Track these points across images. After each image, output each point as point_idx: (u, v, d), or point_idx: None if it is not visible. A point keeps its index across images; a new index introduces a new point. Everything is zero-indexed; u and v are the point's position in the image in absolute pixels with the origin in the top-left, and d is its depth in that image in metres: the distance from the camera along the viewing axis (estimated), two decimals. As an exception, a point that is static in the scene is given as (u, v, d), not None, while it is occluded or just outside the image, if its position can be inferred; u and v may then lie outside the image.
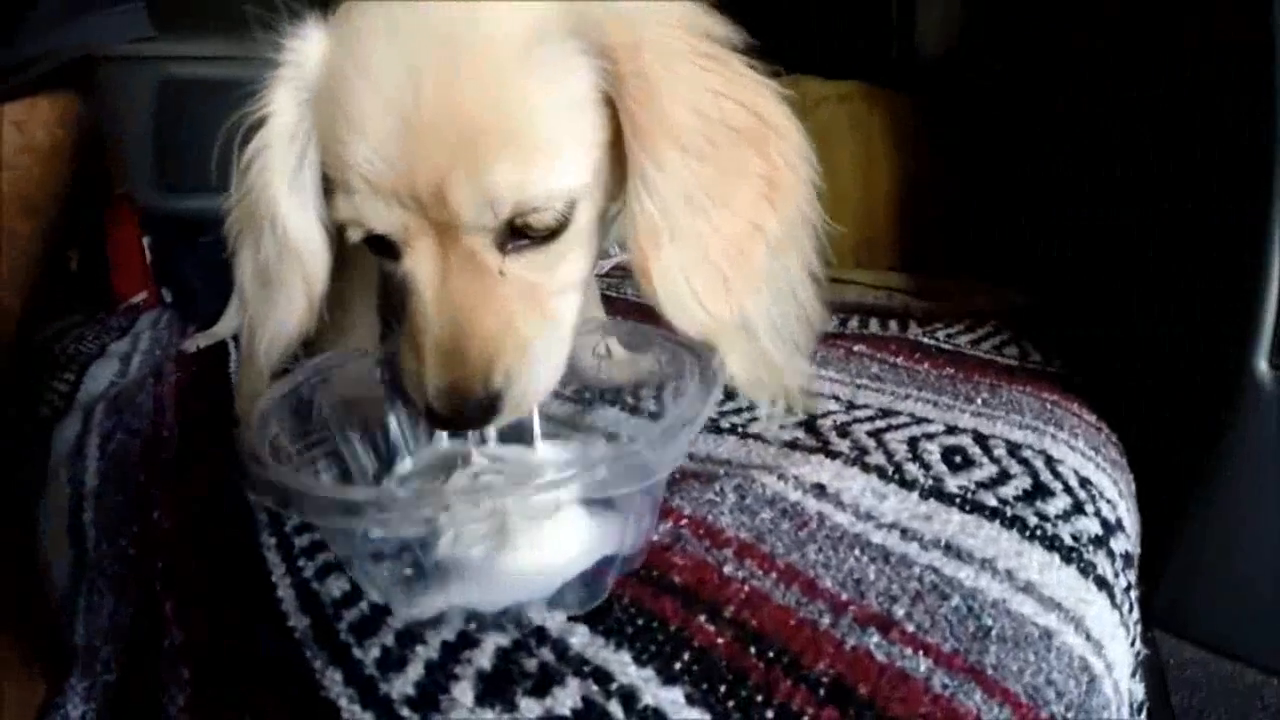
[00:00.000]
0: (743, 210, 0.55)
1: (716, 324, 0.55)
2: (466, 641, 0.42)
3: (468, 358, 0.50)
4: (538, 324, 0.52)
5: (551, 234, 0.51)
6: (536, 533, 0.44)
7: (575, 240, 0.53)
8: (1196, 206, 0.79)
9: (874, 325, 0.93)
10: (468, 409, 0.50)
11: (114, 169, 1.37)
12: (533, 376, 0.52)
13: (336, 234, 0.57)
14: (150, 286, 1.21)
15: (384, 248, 0.53)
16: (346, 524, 0.42)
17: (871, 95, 1.23)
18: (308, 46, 0.55)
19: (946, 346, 0.85)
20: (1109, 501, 0.62)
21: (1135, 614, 0.59)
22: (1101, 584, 0.52)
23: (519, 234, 0.51)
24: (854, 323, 0.93)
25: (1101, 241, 0.97)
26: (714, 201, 0.53)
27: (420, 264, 0.51)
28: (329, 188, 0.56)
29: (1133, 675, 0.64)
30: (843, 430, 0.64)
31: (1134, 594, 0.59)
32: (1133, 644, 0.58)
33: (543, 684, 0.39)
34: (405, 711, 0.38)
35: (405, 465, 0.53)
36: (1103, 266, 0.96)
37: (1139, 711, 0.67)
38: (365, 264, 0.66)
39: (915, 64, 1.37)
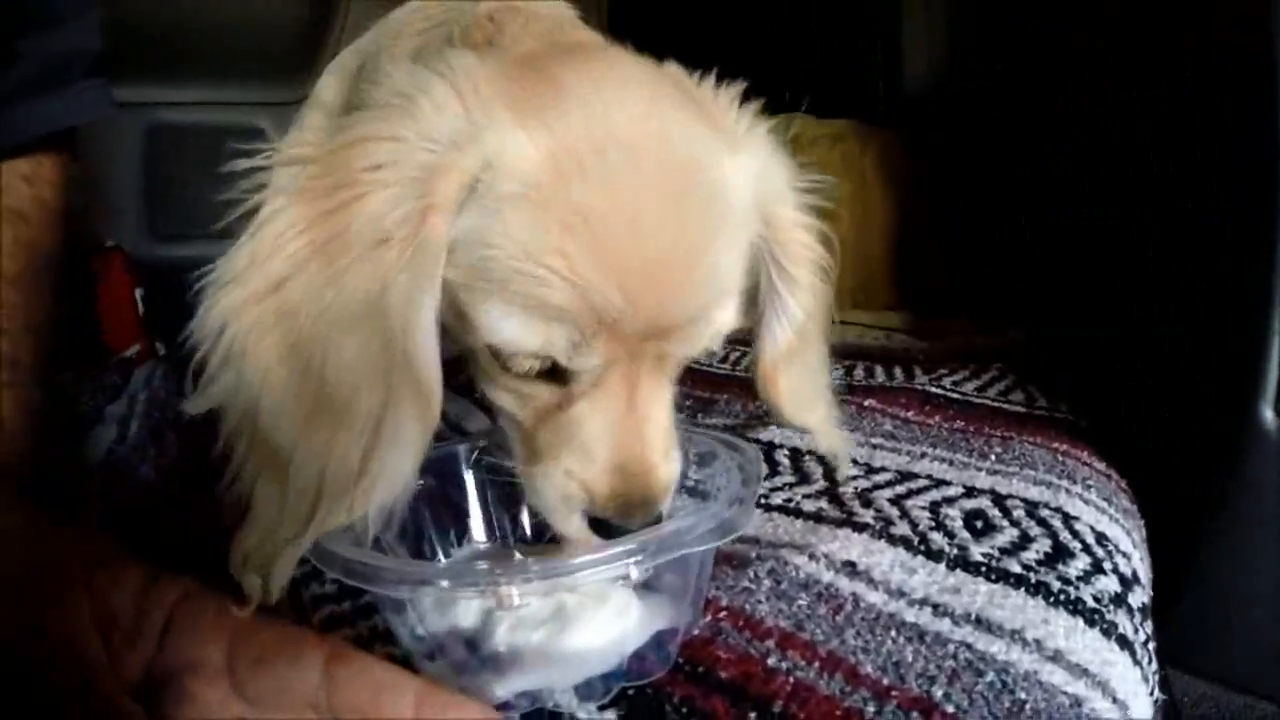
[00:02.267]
0: (817, 316, 0.69)
1: (820, 414, 0.72)
2: None
3: (656, 478, 0.52)
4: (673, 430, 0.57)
5: None
6: (594, 612, 0.46)
7: None
8: (1199, 252, 0.82)
9: (880, 374, 0.96)
10: (644, 519, 0.51)
11: (99, 220, 1.37)
12: (676, 476, 0.55)
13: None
14: (143, 339, 1.21)
15: (539, 374, 0.52)
16: (416, 594, 0.45)
17: (863, 134, 1.27)
18: (508, 140, 0.49)
19: (955, 395, 0.88)
20: (1124, 555, 0.65)
21: (1154, 665, 0.61)
22: (1124, 643, 0.55)
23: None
24: (859, 372, 0.96)
25: (1102, 280, 1.00)
26: (810, 318, 0.68)
27: (610, 390, 0.52)
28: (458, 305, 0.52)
29: None
30: (865, 498, 0.67)
31: (1152, 646, 0.61)
32: (1151, 693, 0.61)
33: (605, 792, 0.41)
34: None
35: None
36: (1105, 306, 0.99)
37: (1159, 754, 0.70)
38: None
39: (902, 100, 1.40)
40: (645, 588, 0.49)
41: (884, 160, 1.22)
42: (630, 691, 0.47)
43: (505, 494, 0.60)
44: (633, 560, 0.42)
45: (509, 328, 0.49)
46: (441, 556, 0.58)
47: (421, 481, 0.56)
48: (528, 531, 0.60)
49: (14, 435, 0.60)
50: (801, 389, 0.70)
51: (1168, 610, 0.75)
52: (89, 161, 0.77)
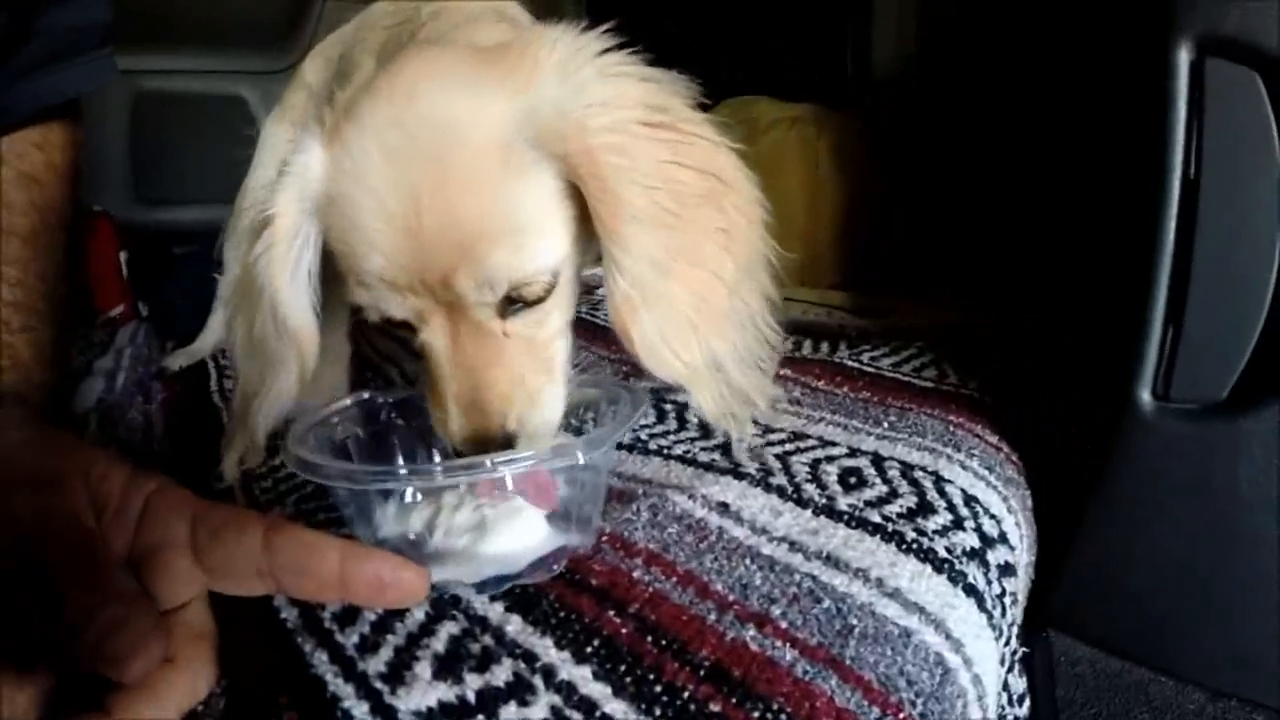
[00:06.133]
0: (704, 263, 0.68)
1: (689, 369, 0.68)
2: (425, 631, 0.55)
3: (486, 409, 0.64)
4: (538, 371, 0.67)
5: (541, 298, 0.66)
6: (507, 526, 0.59)
7: (560, 296, 0.68)
8: (1098, 247, 0.91)
9: (806, 348, 1.05)
10: (489, 450, 0.63)
11: (86, 185, 1.47)
12: (541, 417, 0.67)
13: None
14: (127, 300, 1.33)
15: (398, 324, 0.66)
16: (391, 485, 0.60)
17: (821, 117, 1.36)
18: (310, 160, 0.65)
19: (869, 369, 0.98)
20: (993, 517, 0.73)
21: (1010, 617, 0.70)
22: (970, 591, 0.63)
23: (515, 301, 0.65)
24: (786, 344, 1.05)
25: (1022, 266, 1.09)
26: (678, 261, 0.66)
27: (435, 336, 0.65)
28: (334, 275, 0.68)
29: (1010, 670, 0.76)
30: (755, 453, 0.76)
31: (1011, 599, 0.70)
32: (1006, 643, 0.69)
33: (484, 662, 0.52)
34: (378, 684, 0.50)
35: (409, 494, 0.65)
36: (1018, 288, 1.08)
37: (1019, 702, 0.80)
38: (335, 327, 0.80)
39: (871, 84, 1.49)
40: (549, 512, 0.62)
41: (839, 143, 1.31)
42: (516, 590, 0.59)
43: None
44: (501, 468, 0.57)
45: (354, 294, 0.65)
46: None
47: (394, 416, 0.74)
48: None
49: (31, 370, 0.72)
50: (661, 338, 0.66)
51: (1055, 577, 0.85)
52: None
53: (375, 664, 0.53)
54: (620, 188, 0.63)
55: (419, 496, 0.63)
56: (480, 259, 0.62)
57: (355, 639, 0.55)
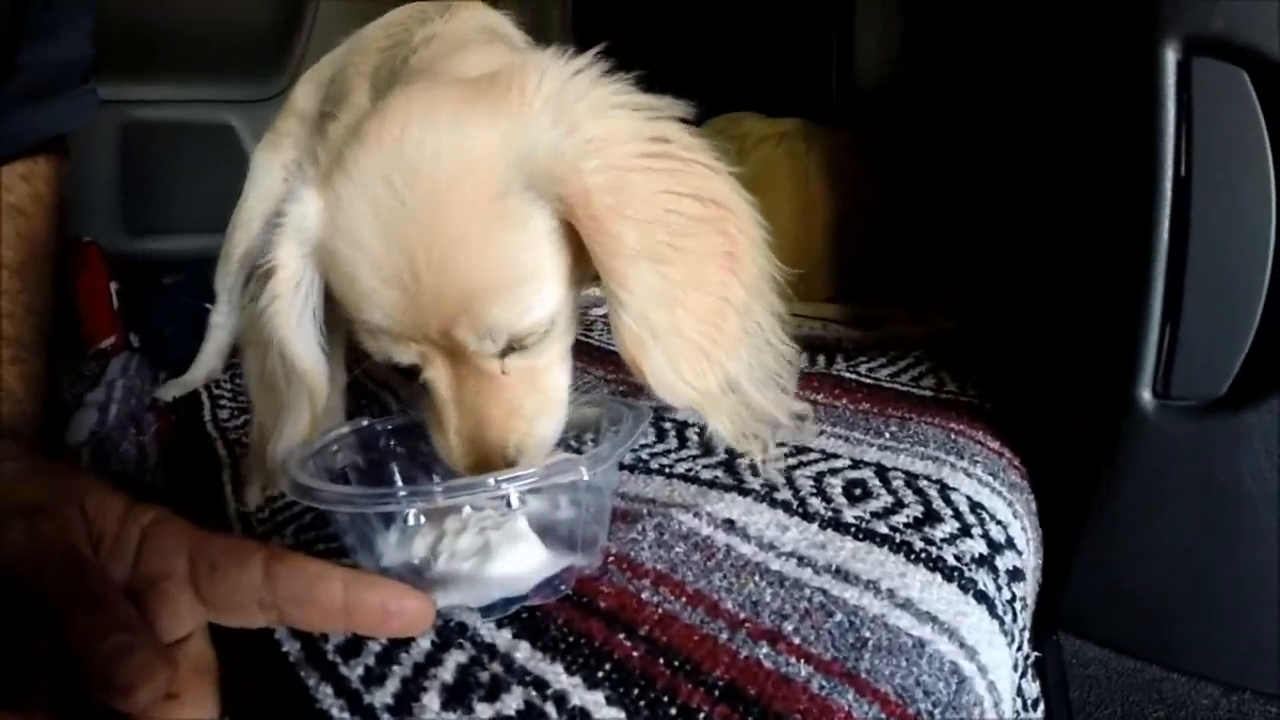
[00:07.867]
0: (711, 288, 0.67)
1: (703, 395, 0.68)
2: (432, 660, 0.54)
3: (486, 441, 0.66)
4: (536, 399, 0.68)
5: (540, 340, 0.66)
6: (511, 548, 0.59)
7: (557, 333, 0.68)
8: (1093, 248, 0.91)
9: (803, 361, 1.05)
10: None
11: (74, 215, 1.47)
12: (537, 442, 0.67)
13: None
14: (118, 331, 1.32)
15: (405, 367, 0.67)
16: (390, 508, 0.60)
17: (809, 132, 1.36)
18: (305, 210, 0.64)
19: (867, 380, 0.97)
20: (999, 523, 0.73)
21: (1021, 622, 0.69)
22: (981, 598, 0.62)
23: (513, 346, 0.65)
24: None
25: (1014, 264, 1.09)
26: (685, 290, 0.65)
27: (437, 376, 0.66)
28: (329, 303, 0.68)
29: (1023, 675, 0.76)
30: (756, 469, 0.76)
31: (1021, 604, 0.69)
32: (1019, 648, 0.70)
33: (494, 691, 0.51)
34: (386, 717, 0.50)
35: (409, 516, 0.64)
36: (1014, 289, 1.08)
37: (1034, 707, 0.79)
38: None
39: (856, 94, 1.49)
40: (553, 533, 0.61)
41: (828, 157, 1.31)
42: (524, 614, 0.58)
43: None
44: (506, 487, 0.56)
45: (360, 339, 0.66)
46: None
47: (393, 443, 0.74)
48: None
49: (22, 402, 0.71)
50: (672, 369, 0.66)
51: (1062, 579, 0.84)
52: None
53: (382, 696, 0.52)
54: (617, 226, 0.62)
55: (421, 521, 0.62)
56: (479, 315, 0.62)
57: (360, 671, 0.54)
